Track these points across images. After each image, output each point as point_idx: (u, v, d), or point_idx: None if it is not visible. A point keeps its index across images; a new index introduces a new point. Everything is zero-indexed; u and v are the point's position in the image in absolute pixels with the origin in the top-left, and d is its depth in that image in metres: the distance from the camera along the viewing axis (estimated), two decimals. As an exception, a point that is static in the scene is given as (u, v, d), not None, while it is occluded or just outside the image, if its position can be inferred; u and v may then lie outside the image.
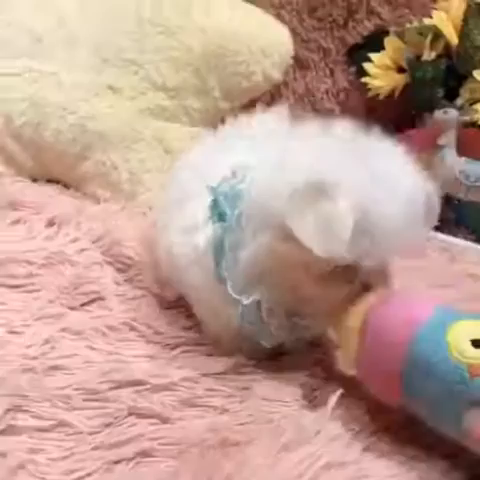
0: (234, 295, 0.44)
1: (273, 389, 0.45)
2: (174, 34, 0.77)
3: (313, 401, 0.45)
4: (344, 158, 0.41)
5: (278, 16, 0.94)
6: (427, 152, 0.86)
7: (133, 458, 0.38)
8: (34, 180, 0.78)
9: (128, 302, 0.56)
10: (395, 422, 0.42)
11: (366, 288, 0.42)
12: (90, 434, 0.40)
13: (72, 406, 0.41)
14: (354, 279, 0.42)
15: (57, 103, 0.75)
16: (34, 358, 0.45)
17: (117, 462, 0.38)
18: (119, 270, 0.60)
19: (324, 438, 0.38)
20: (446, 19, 0.86)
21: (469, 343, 0.36)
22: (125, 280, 0.59)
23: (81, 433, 0.40)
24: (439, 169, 0.84)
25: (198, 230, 0.46)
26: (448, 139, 0.83)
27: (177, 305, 0.55)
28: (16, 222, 0.65)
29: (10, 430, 0.39)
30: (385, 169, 0.41)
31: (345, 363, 0.44)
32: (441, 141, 0.84)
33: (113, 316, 0.53)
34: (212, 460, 0.35)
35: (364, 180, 0.40)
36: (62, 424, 0.40)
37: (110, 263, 0.60)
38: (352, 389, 0.45)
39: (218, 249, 0.45)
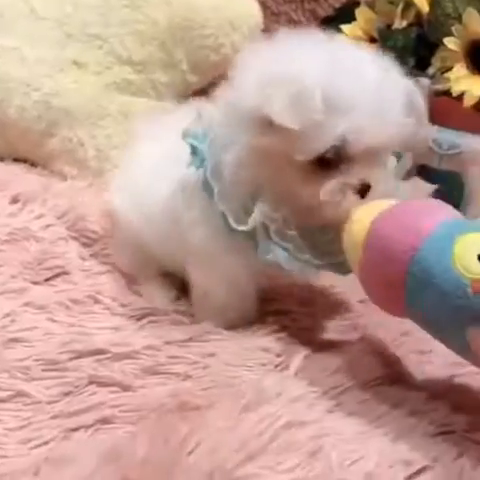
0: (235, 226, 0.43)
1: (237, 355, 0.44)
2: (139, 7, 0.76)
3: (278, 366, 0.44)
4: (307, 49, 0.43)
5: (247, -12, 0.93)
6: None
7: (92, 425, 0.38)
8: (0, 159, 0.76)
9: (93, 276, 0.56)
10: (361, 383, 0.42)
11: (364, 188, 0.42)
12: (49, 403, 0.39)
13: (31, 377, 0.41)
14: (340, 170, 0.42)
15: (20, 79, 0.73)
16: (-6, 331, 0.45)
17: (75, 430, 0.37)
18: (84, 245, 0.59)
19: (285, 399, 0.38)
20: (417, -13, 0.86)
21: (476, 258, 0.34)
22: (91, 255, 0.59)
23: (39, 403, 0.39)
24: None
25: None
26: (420, 109, 0.83)
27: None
28: (-20, 200, 0.64)
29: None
30: (352, 59, 0.43)
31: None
32: (414, 111, 0.83)
33: (78, 290, 0.53)
34: (169, 423, 0.34)
35: (329, 64, 0.42)
36: (20, 394, 0.40)
37: (75, 238, 0.60)
38: (318, 353, 0.45)
39: (209, 189, 0.44)
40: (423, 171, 0.84)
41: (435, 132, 0.81)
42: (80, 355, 0.43)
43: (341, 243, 0.41)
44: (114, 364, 0.42)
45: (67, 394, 0.40)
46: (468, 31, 0.79)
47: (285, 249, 0.43)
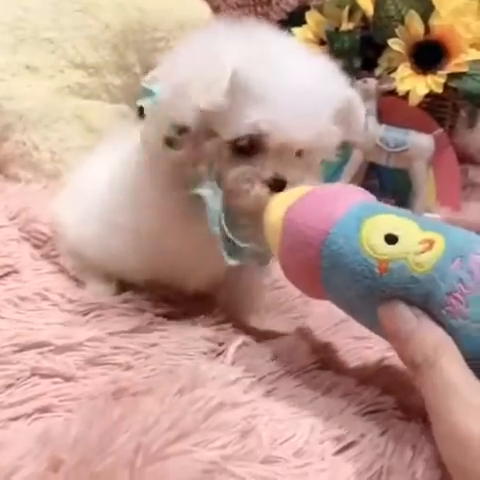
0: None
1: (180, 344, 0.46)
2: (91, 12, 0.77)
3: (220, 355, 0.46)
4: (238, 38, 0.42)
5: (200, -7, 0.95)
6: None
7: (31, 414, 0.38)
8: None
9: (43, 275, 0.56)
10: (296, 369, 0.44)
11: (277, 183, 0.42)
12: (-8, 395, 0.40)
13: (-26, 370, 0.41)
14: (254, 163, 0.42)
15: (-28, 84, 0.74)
16: None
17: (14, 419, 0.38)
18: (35, 246, 0.60)
19: (220, 383, 0.39)
20: (363, -9, 0.89)
21: (382, 239, 0.35)
22: (41, 255, 0.59)
23: (-19, 394, 0.40)
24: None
25: None
26: (369, 108, 0.85)
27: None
28: None
29: None
30: (286, 56, 0.43)
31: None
32: (363, 110, 0.86)
33: (26, 288, 0.53)
34: (103, 407, 0.35)
35: (255, 55, 0.41)
36: (-40, 387, 0.40)
37: (26, 239, 0.61)
38: (257, 341, 0.47)
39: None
40: (372, 168, 0.88)
41: (382, 130, 0.84)
42: (23, 348, 0.43)
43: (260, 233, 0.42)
44: (56, 356, 0.43)
45: (9, 386, 0.40)
46: (410, 33, 0.82)
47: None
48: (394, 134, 0.83)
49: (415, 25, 0.81)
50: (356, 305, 0.37)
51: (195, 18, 0.83)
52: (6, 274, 0.55)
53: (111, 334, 0.46)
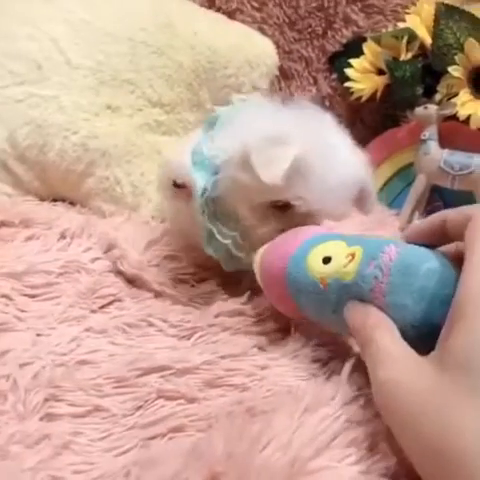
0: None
1: (289, 366, 0.48)
2: (165, 53, 0.82)
3: (326, 373, 0.48)
4: (299, 123, 0.52)
5: (260, 30, 0.99)
6: (412, 147, 0.91)
7: (166, 434, 0.41)
8: (42, 200, 0.81)
9: (142, 302, 0.59)
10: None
11: None
12: (124, 416, 0.42)
13: (104, 393, 0.44)
14: (284, 219, 0.52)
15: (60, 125, 0.78)
16: (63, 354, 0.48)
17: (152, 438, 0.40)
18: (127, 278, 0.63)
19: (341, 401, 0.41)
20: (419, 22, 0.92)
21: (321, 261, 0.44)
22: (135, 283, 0.63)
23: (115, 416, 0.42)
24: (424, 162, 0.88)
25: None
26: (430, 133, 0.88)
27: (187, 302, 0.60)
28: (30, 238, 0.67)
29: (49, 417, 0.42)
30: (333, 141, 0.54)
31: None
32: (424, 136, 0.88)
33: (131, 315, 0.56)
34: (240, 425, 0.38)
35: (314, 140, 0.51)
36: (97, 409, 0.43)
37: (120, 272, 0.64)
38: (359, 358, 0.49)
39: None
40: (436, 191, 0.90)
41: (446, 154, 0.86)
42: (145, 372, 0.46)
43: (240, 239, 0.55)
44: (178, 379, 0.46)
45: (139, 408, 0.43)
46: (470, 59, 0.85)
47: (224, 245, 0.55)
48: (458, 158, 0.85)
49: (474, 52, 0.84)
50: (322, 315, 0.46)
51: (261, 54, 0.87)
52: (110, 303, 0.59)
53: (222, 357, 0.49)
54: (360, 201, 0.56)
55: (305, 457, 0.35)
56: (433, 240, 0.42)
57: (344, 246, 0.44)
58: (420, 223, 0.44)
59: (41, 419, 0.41)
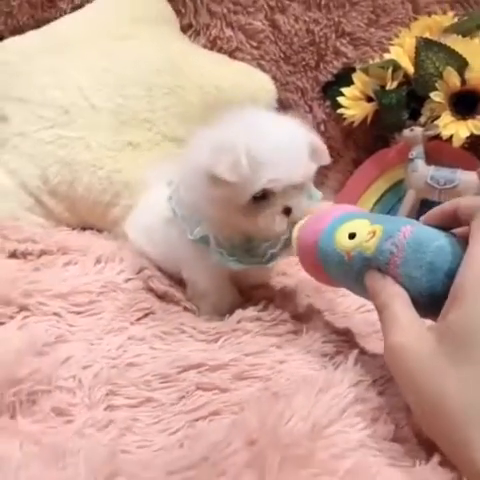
0: (189, 236, 0.64)
1: (304, 359, 0.57)
2: (178, 93, 0.92)
3: (335, 364, 0.56)
4: (238, 127, 0.60)
5: (259, 66, 1.10)
6: (402, 165, 1.01)
7: (207, 417, 0.50)
8: (72, 229, 0.91)
9: (173, 314, 0.69)
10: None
11: (286, 211, 0.60)
12: (171, 405, 0.51)
13: (152, 388, 0.53)
14: (270, 205, 0.59)
15: (87, 162, 0.88)
16: (114, 358, 0.57)
17: (196, 420, 0.49)
18: (158, 294, 0.73)
19: (348, 384, 0.50)
20: (402, 53, 1.02)
21: (347, 237, 0.51)
22: (165, 300, 0.72)
23: (163, 405, 0.51)
24: (413, 178, 0.98)
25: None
26: (417, 152, 0.97)
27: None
28: (68, 264, 0.77)
29: (111, 408, 0.51)
30: (267, 127, 0.61)
31: None
32: (412, 155, 0.98)
33: (165, 325, 0.65)
34: (267, 405, 0.46)
35: (252, 134, 0.59)
36: (148, 400, 0.52)
37: (151, 289, 0.73)
38: (364, 349, 0.58)
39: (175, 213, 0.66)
40: (424, 204, 0.99)
41: (432, 171, 0.96)
42: (184, 369, 0.55)
43: (259, 248, 0.64)
44: (212, 374, 0.54)
45: (182, 398, 0.52)
46: (449, 85, 0.94)
47: (220, 253, 0.63)
48: (443, 173, 0.95)
49: (452, 79, 0.94)
50: (347, 283, 0.53)
51: (261, 89, 0.98)
52: (145, 315, 0.68)
53: (246, 355, 0.58)
54: (315, 154, 0.61)
55: (322, 425, 0.44)
56: (446, 223, 0.47)
57: (367, 224, 0.50)
58: (436, 209, 0.49)
59: (105, 409, 0.50)
